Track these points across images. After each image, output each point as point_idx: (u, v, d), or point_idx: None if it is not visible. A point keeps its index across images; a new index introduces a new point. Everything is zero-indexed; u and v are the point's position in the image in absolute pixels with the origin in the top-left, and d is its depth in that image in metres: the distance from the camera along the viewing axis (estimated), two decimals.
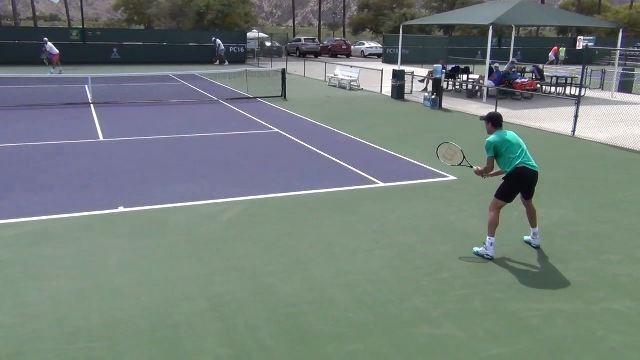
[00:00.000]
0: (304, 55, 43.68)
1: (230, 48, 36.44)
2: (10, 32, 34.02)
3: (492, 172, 6.10)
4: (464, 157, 6.31)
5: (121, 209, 7.27)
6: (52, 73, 23.48)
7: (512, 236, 6.57)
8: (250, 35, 41.59)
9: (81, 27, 38.31)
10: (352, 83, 22.44)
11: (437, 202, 7.84)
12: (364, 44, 50.13)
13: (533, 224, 6.27)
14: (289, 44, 47.20)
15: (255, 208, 7.47)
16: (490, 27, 18.37)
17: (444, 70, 19.19)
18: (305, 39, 48.47)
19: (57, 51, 24.77)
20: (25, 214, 7.00)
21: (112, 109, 15.97)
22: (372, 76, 22.74)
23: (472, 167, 6.23)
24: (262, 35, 46.31)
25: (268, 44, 42.76)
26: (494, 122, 6.06)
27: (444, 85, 20.17)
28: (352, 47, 49.30)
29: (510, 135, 6.01)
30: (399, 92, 19.42)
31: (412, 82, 20.61)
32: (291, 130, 13.02)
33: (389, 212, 7.38)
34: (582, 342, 4.37)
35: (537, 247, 6.28)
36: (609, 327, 4.59)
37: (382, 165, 9.98)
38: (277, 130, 13.14)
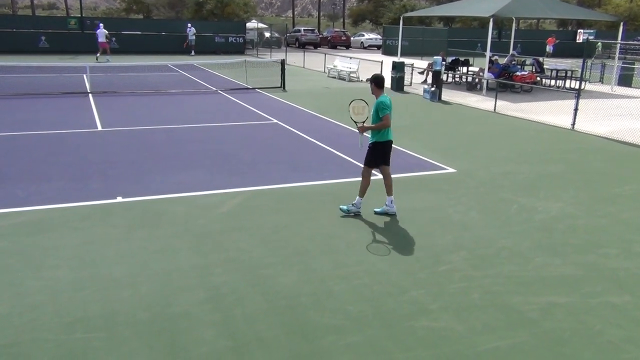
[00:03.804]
0: (303, 46, 43.52)
1: (229, 38, 36.26)
2: (8, 20, 33.76)
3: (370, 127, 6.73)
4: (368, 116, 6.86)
5: (119, 199, 7.25)
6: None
7: (510, 229, 6.57)
8: (249, 25, 41.34)
9: (79, 15, 38.07)
10: (351, 74, 22.36)
11: (436, 195, 7.83)
12: (363, 35, 49.86)
13: (389, 192, 6.91)
14: (288, 34, 46.96)
15: (254, 199, 7.45)
16: (491, 19, 18.30)
17: (443, 62, 19.10)
18: (304, 30, 48.25)
19: (102, 39, 26.47)
20: (22, 204, 6.98)
21: (110, 99, 15.90)
22: (372, 67, 22.50)
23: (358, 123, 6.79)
24: (261, 25, 46.01)
25: (267, 34, 42.49)
26: (377, 83, 6.64)
27: (444, 77, 20.10)
28: (352, 38, 49.07)
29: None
30: (398, 83, 19.36)
31: (412, 74, 20.55)
32: (290, 121, 12.98)
33: None
34: (580, 336, 4.37)
35: (394, 214, 6.76)
36: (607, 320, 4.60)
37: None
38: (275, 121, 13.10)
